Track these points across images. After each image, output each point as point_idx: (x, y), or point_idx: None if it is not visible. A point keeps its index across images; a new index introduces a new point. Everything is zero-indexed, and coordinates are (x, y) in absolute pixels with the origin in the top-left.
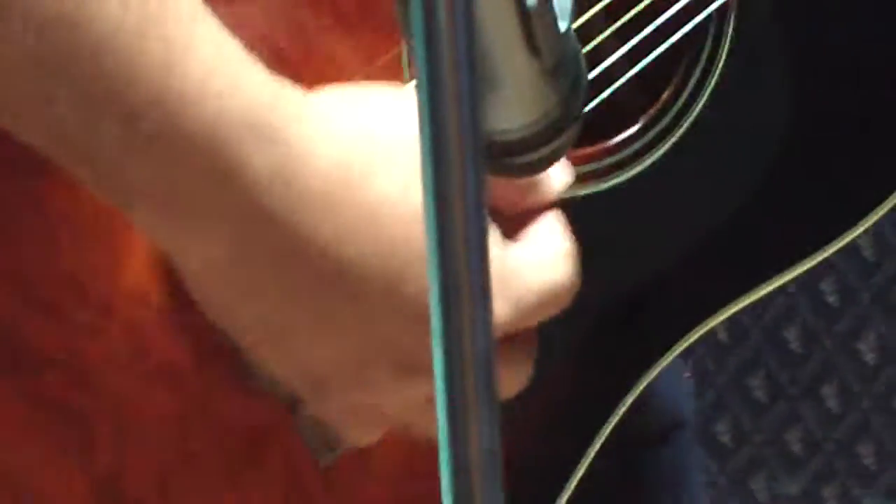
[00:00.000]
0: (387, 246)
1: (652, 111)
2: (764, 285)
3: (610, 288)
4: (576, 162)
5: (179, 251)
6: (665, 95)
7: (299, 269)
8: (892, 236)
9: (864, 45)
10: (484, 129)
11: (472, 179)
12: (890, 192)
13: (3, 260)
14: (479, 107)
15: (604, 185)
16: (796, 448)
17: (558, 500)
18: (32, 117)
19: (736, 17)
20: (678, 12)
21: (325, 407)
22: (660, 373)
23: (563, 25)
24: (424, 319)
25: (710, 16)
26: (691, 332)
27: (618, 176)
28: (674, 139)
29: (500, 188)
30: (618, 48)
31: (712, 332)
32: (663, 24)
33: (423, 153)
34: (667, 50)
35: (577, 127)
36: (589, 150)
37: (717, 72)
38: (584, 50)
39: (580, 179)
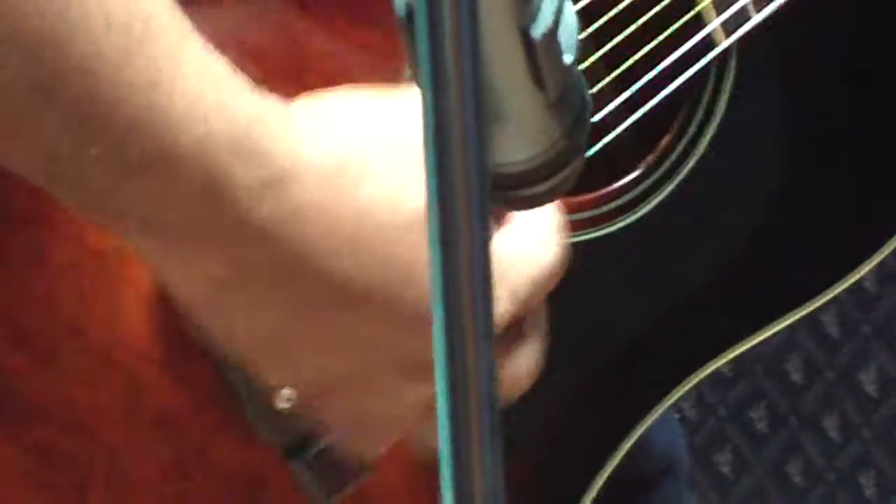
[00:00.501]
0: (383, 251)
1: (652, 157)
2: (765, 329)
3: (609, 333)
4: (576, 208)
5: (176, 275)
6: (665, 141)
7: (297, 284)
8: (892, 268)
9: (867, 91)
10: (489, 161)
11: (476, 214)
12: (891, 234)
13: (3, 309)
14: (485, 139)
15: (603, 231)
16: (797, 479)
17: None
18: (23, 141)
19: (737, 63)
20: (678, 59)
21: (333, 417)
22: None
23: (567, 58)
24: (425, 321)
25: (711, 61)
26: (692, 377)
27: (617, 222)
28: (674, 184)
29: None
30: (617, 95)
31: None
32: (663, 71)
33: (429, 187)
34: (668, 96)
35: (582, 159)
36: (589, 196)
37: (718, 117)
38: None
39: (580, 225)
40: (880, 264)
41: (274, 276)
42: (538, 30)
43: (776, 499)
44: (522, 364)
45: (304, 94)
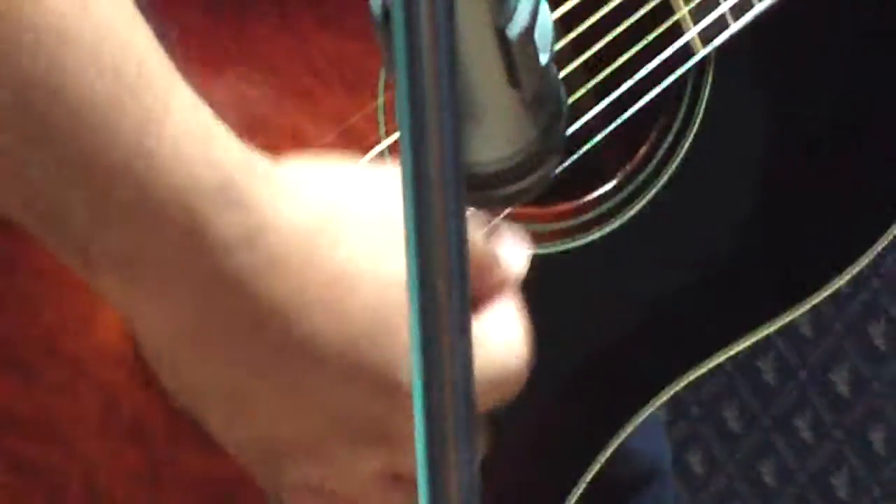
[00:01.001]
0: (350, 316)
1: (629, 167)
2: (747, 336)
3: (589, 340)
4: (553, 218)
5: (140, 317)
6: (642, 151)
7: (260, 338)
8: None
9: (844, 98)
10: (464, 161)
11: (452, 211)
12: (871, 240)
13: None
14: (460, 139)
15: (582, 241)
16: (769, 479)
17: None
18: (5, 179)
19: (714, 72)
20: (655, 69)
21: (276, 481)
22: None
23: (543, 58)
24: (385, 392)
25: (688, 71)
26: (673, 384)
27: (596, 231)
28: (651, 194)
29: None
30: (595, 104)
31: None
32: (641, 80)
33: (405, 185)
34: (645, 105)
35: (557, 160)
36: (566, 206)
37: (696, 126)
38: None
39: (558, 235)
40: None
41: (241, 328)
42: (514, 30)
43: (748, 499)
44: None
45: (288, 145)
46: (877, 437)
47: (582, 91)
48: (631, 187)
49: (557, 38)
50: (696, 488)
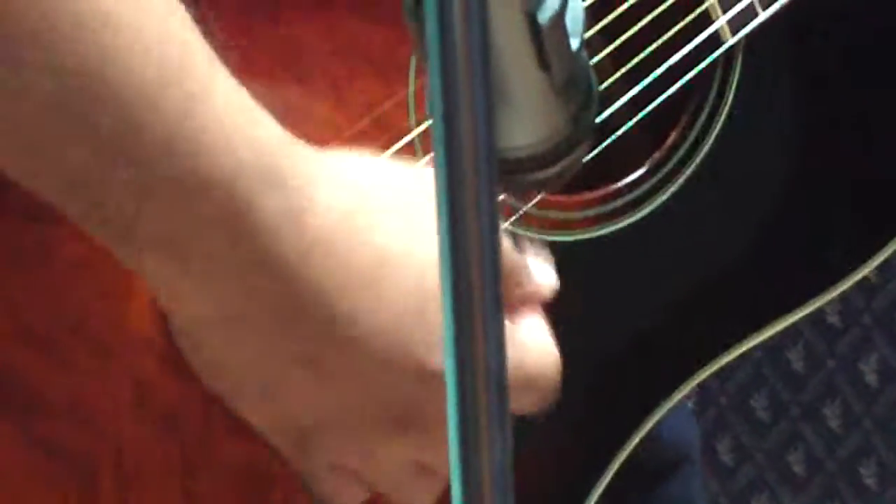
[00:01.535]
0: (388, 301)
1: (658, 154)
2: (774, 323)
3: (618, 328)
4: (582, 205)
5: (180, 298)
6: (671, 139)
7: (299, 320)
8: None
9: (873, 87)
10: (496, 145)
11: (485, 196)
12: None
13: (9, 304)
14: (493, 124)
15: (611, 228)
16: (798, 468)
17: None
18: (46, 163)
19: (743, 60)
20: (684, 57)
21: (307, 463)
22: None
23: (574, 43)
24: (421, 378)
25: (717, 59)
26: (701, 371)
27: (624, 219)
28: (680, 182)
29: None
30: (625, 92)
31: None
32: (670, 68)
33: (437, 170)
34: (673, 93)
35: (588, 145)
36: (594, 193)
37: (724, 115)
38: None
39: (587, 222)
40: None
41: (281, 309)
42: (545, 14)
43: (777, 488)
44: None
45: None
46: None
47: (612, 79)
48: (660, 175)
49: (588, 26)
50: (724, 477)
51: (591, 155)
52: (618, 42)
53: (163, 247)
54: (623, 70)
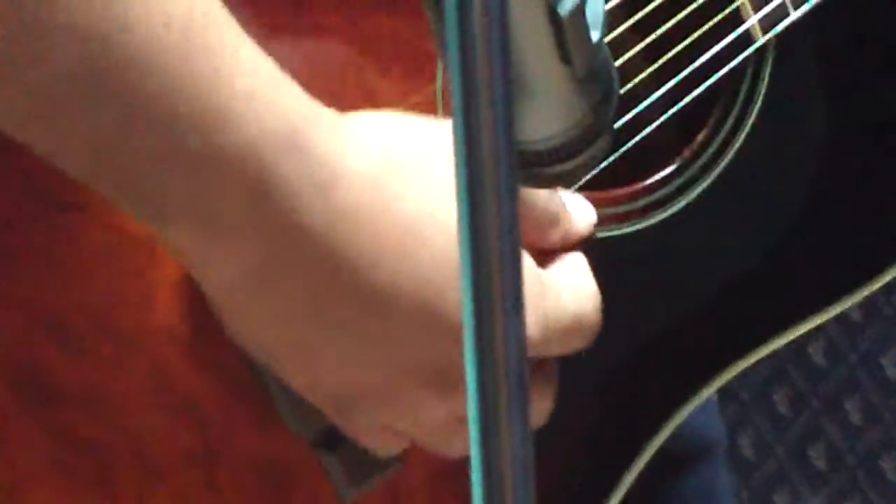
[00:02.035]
0: (420, 264)
1: (688, 152)
2: (804, 322)
3: (645, 324)
4: (610, 202)
5: (209, 266)
6: (701, 136)
7: (331, 287)
8: None
9: None
10: (516, 138)
11: (505, 189)
12: None
13: (31, 293)
14: (513, 116)
15: (640, 225)
16: (818, 462)
17: None
18: (71, 131)
19: (774, 59)
20: (715, 55)
21: (351, 425)
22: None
23: (595, 35)
24: (453, 339)
25: (748, 58)
26: (728, 369)
27: (654, 216)
28: (709, 180)
29: (525, 227)
30: (655, 90)
31: None
32: (700, 66)
33: (457, 163)
34: (704, 92)
35: (609, 138)
36: (623, 190)
37: (754, 114)
38: (623, 91)
39: (616, 219)
40: None
41: (311, 278)
42: (566, 6)
43: (798, 482)
44: (535, 405)
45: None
46: None
47: (641, 76)
48: (689, 173)
49: (619, 23)
50: (745, 472)
51: (621, 152)
52: (649, 39)
53: (191, 214)
54: (653, 67)
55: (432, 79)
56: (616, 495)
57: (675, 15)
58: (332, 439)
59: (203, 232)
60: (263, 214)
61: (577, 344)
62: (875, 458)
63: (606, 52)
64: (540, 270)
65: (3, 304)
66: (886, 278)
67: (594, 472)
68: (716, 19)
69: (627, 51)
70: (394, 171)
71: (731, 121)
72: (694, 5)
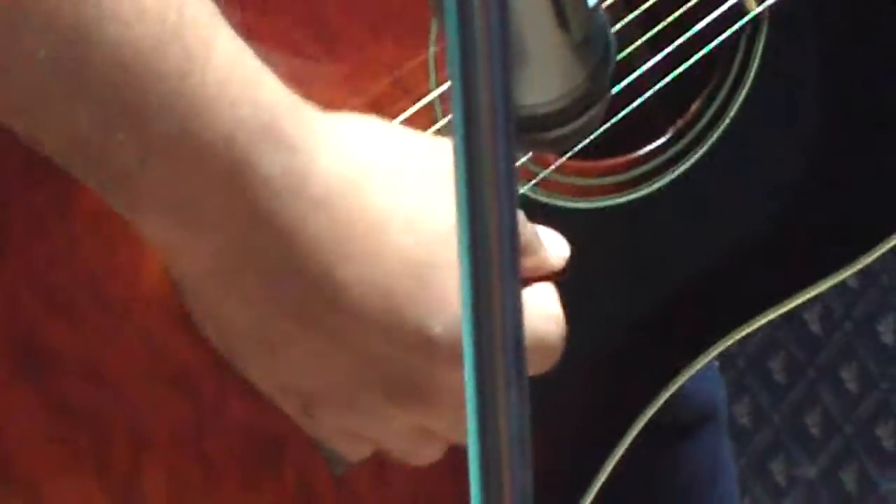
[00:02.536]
0: (387, 267)
1: (680, 122)
2: (798, 294)
3: (640, 294)
4: (604, 172)
5: (180, 256)
6: (694, 107)
7: (299, 282)
8: None
9: None
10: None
11: (503, 154)
12: None
13: (25, 262)
14: (510, 80)
15: (633, 195)
16: (815, 430)
17: (587, 493)
18: (48, 122)
19: (768, 30)
20: (710, 24)
21: (315, 426)
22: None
23: (591, 1)
24: (418, 346)
25: (742, 29)
26: (725, 338)
27: (647, 186)
28: (702, 150)
29: None
30: (649, 59)
31: None
32: (694, 36)
33: (455, 127)
34: (697, 61)
35: (605, 103)
36: (616, 160)
37: (748, 85)
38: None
39: (609, 189)
40: None
41: (279, 270)
42: None
43: (794, 450)
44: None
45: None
46: None
47: (634, 46)
48: (682, 143)
49: None
50: (742, 439)
51: (613, 121)
52: (642, 8)
53: (161, 205)
54: (647, 37)
55: (425, 46)
56: (610, 462)
57: None
58: None
59: (175, 220)
60: (235, 203)
61: (537, 368)
62: (871, 425)
63: (603, 17)
64: None
65: None
66: (883, 249)
67: (592, 437)
68: None
69: (621, 19)
70: (370, 170)
71: (724, 92)
72: None
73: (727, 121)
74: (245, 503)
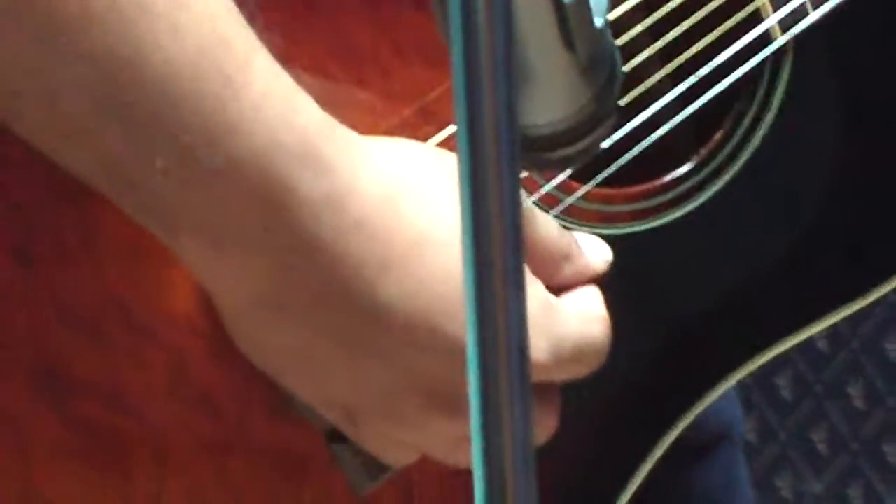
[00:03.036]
0: (428, 284)
1: (704, 151)
2: (824, 318)
3: (661, 321)
4: (627, 199)
5: (220, 281)
6: (717, 136)
7: (340, 303)
8: None
9: None
10: (519, 123)
11: (507, 173)
12: None
13: (50, 283)
14: (516, 101)
15: (657, 223)
16: (821, 447)
17: None
18: (82, 146)
19: (792, 60)
20: (733, 55)
21: (360, 434)
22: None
23: (598, 21)
24: (459, 360)
25: (766, 58)
26: (749, 363)
27: (669, 214)
28: (725, 179)
29: (534, 257)
30: (672, 88)
31: None
32: (718, 66)
33: (460, 147)
34: (721, 92)
35: (612, 123)
36: (640, 188)
37: (771, 114)
38: (639, 90)
39: (633, 216)
40: None
41: (319, 291)
42: None
43: (801, 467)
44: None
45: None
46: None
47: (660, 75)
48: (705, 171)
49: (636, 21)
50: (748, 456)
51: (638, 150)
52: (667, 38)
53: (200, 230)
54: (671, 66)
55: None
56: (630, 487)
57: (693, 14)
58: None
59: (213, 246)
60: (275, 226)
61: (584, 370)
62: (878, 442)
63: (610, 38)
64: (550, 296)
65: (22, 295)
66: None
67: (610, 463)
68: (735, 19)
69: (644, 49)
70: (405, 189)
71: (747, 122)
72: (713, 5)
73: (751, 149)
74: None
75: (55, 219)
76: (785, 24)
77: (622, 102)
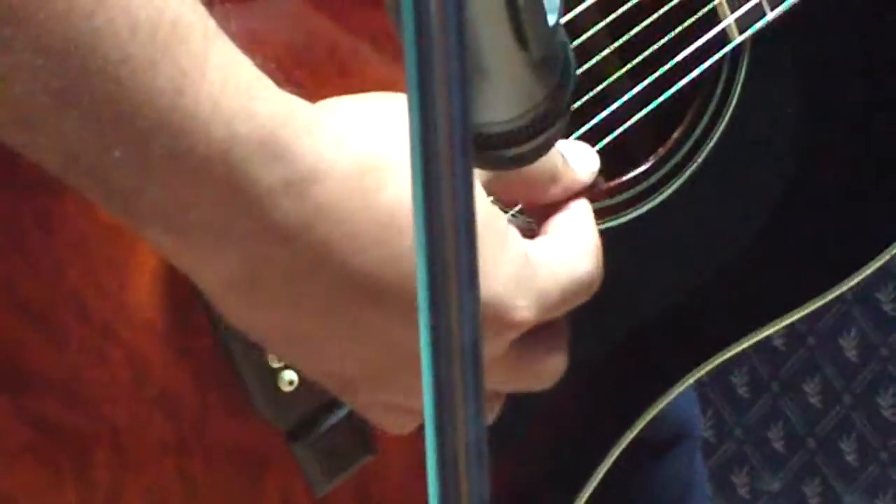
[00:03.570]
0: (402, 256)
1: (661, 151)
2: (782, 317)
3: (623, 319)
4: (588, 198)
5: (193, 269)
6: (675, 135)
7: (315, 282)
8: None
9: (879, 88)
10: (472, 121)
11: (460, 171)
12: None
13: (7, 278)
14: (468, 99)
15: (614, 222)
16: (778, 445)
17: None
18: (43, 138)
19: (749, 58)
20: (691, 54)
21: (359, 404)
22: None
23: (551, 19)
24: None
25: (724, 57)
26: (707, 362)
27: (628, 213)
28: (683, 178)
29: (520, 184)
30: (630, 88)
31: None
32: (676, 65)
33: (412, 145)
34: (679, 90)
35: (565, 121)
36: (599, 187)
37: (729, 113)
38: (598, 89)
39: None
40: None
41: (294, 275)
42: None
43: (757, 464)
44: (549, 361)
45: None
46: (884, 403)
47: (617, 75)
48: (663, 171)
49: (595, 21)
50: (705, 453)
51: (596, 149)
52: (625, 38)
53: (163, 220)
54: (629, 66)
55: None
56: (589, 486)
57: (651, 14)
58: (307, 430)
59: (181, 236)
60: (238, 216)
61: (580, 301)
62: (834, 439)
63: (563, 36)
64: (527, 249)
65: None
66: (861, 276)
67: (569, 462)
68: (692, 18)
69: (602, 49)
70: (370, 163)
71: (705, 120)
72: (671, 4)
73: (708, 149)
74: None
75: (11, 210)
76: (742, 24)
77: (581, 101)
